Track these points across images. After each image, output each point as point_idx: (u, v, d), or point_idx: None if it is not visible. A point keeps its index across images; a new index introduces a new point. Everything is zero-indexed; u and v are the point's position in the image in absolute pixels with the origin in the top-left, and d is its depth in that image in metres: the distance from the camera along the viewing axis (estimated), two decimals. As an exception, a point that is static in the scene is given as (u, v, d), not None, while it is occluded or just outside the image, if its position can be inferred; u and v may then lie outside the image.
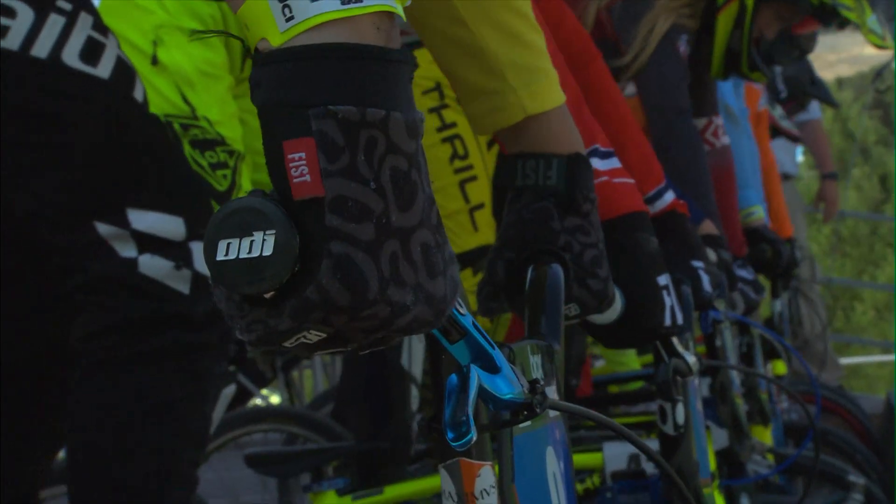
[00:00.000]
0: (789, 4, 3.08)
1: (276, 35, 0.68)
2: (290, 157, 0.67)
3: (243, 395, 4.86)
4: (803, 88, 5.95)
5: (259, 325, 0.67)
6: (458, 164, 1.79)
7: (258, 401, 5.17)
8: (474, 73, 1.23)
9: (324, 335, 0.67)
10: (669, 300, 1.41)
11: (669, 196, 1.92)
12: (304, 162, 0.66)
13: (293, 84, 0.67)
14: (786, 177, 6.03)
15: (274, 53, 0.68)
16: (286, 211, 0.66)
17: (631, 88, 3.11)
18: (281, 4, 0.68)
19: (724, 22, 3.09)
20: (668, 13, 3.03)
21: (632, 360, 4.30)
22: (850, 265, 18.92)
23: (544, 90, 1.24)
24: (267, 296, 0.67)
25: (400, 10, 0.71)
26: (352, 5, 0.68)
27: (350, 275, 0.65)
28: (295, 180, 0.66)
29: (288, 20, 0.68)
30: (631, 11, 3.03)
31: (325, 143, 0.66)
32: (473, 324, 0.80)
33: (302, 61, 0.67)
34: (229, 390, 3.47)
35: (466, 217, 1.83)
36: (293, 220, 0.66)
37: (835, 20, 3.12)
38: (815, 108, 6.46)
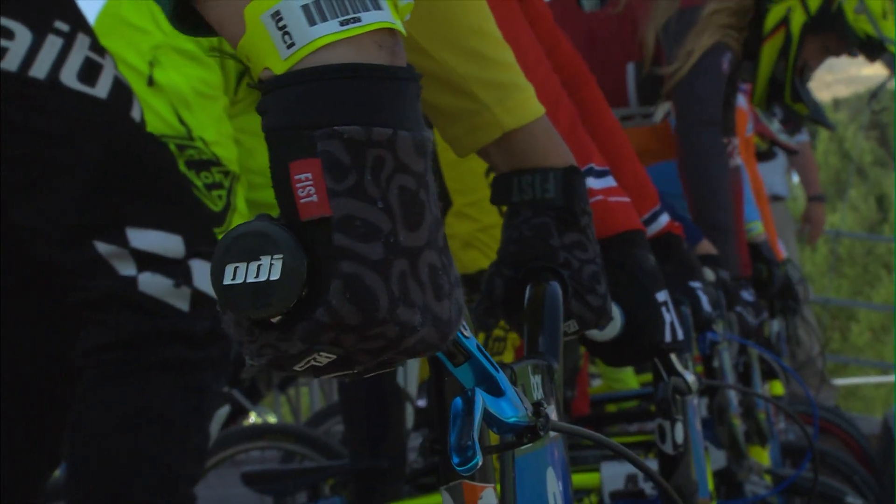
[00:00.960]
0: (836, 37, 3.07)
1: (278, 63, 0.68)
2: (296, 177, 0.66)
3: (238, 413, 4.84)
4: (799, 109, 5.96)
5: (270, 350, 0.67)
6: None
7: (253, 419, 5.15)
8: (446, 97, 1.23)
9: (333, 357, 0.67)
10: (669, 316, 1.41)
11: (664, 218, 1.92)
12: (310, 182, 0.66)
13: (298, 107, 0.67)
14: (776, 198, 6.04)
15: (279, 79, 0.68)
16: (293, 234, 0.66)
17: (657, 115, 3.11)
18: (281, 32, 0.68)
19: (769, 51, 3.07)
20: (715, 30, 3.03)
21: (630, 379, 4.30)
22: (847, 285, 18.94)
23: (520, 104, 1.23)
24: (274, 320, 0.66)
25: (401, 27, 0.70)
26: (351, 25, 0.68)
27: (360, 294, 0.65)
28: (302, 200, 0.66)
29: (289, 46, 0.68)
30: (683, 22, 3.03)
31: (331, 164, 0.66)
32: (478, 346, 0.80)
33: (306, 84, 0.67)
34: (223, 411, 3.46)
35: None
36: (301, 241, 0.66)
37: (881, 54, 3.12)
38: (802, 130, 6.47)
